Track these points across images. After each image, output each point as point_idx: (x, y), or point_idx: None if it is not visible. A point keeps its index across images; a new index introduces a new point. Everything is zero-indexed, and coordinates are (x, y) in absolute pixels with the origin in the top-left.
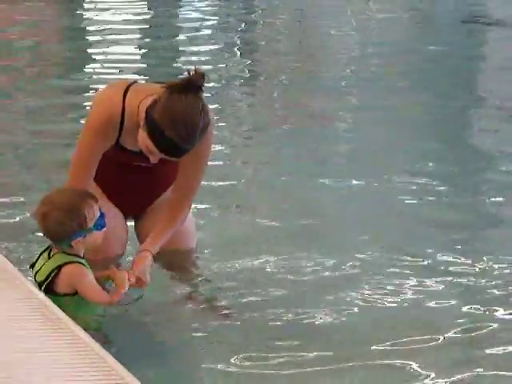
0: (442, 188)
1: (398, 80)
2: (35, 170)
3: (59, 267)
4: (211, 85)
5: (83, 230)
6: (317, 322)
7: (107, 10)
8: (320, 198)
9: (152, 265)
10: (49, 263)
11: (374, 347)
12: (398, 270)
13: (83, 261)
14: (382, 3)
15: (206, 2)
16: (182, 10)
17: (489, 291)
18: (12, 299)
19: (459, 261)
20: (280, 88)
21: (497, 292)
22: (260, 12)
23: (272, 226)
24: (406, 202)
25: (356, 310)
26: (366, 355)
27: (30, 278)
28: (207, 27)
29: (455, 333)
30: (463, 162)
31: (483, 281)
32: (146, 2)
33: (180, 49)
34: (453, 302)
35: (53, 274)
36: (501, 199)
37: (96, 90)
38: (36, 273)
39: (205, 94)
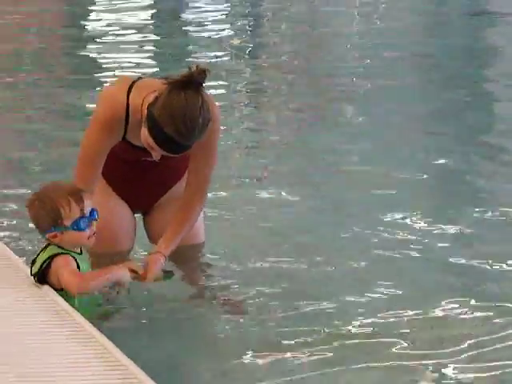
0: None
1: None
2: None
3: (50, 259)
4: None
5: (57, 226)
6: (335, 321)
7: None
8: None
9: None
10: (42, 255)
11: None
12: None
13: (76, 255)
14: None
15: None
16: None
17: None
18: (17, 291)
19: None
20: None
21: None
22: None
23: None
24: None
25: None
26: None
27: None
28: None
29: None
30: None
31: None
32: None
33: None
34: None
35: (44, 265)
36: None
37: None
38: (32, 265)
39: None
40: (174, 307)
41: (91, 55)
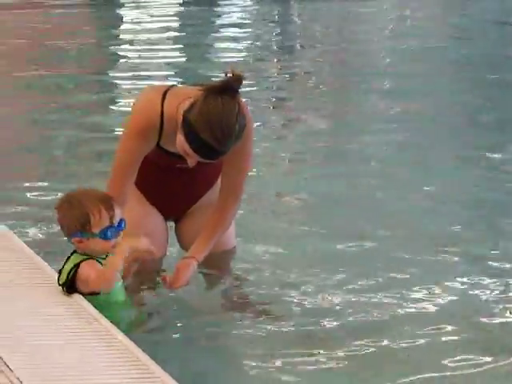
0: None
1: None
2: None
3: (76, 267)
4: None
5: (85, 231)
6: (357, 324)
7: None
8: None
9: (195, 271)
10: (66, 266)
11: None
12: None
13: (102, 260)
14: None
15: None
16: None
17: None
18: (48, 297)
19: None
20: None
21: None
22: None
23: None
24: None
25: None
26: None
27: None
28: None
29: None
30: None
31: None
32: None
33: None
34: None
35: (71, 274)
36: None
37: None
38: (59, 276)
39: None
40: (204, 318)
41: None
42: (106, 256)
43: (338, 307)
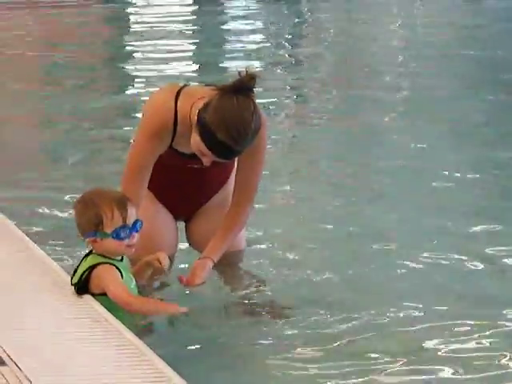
0: None
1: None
2: None
3: (90, 268)
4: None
5: (98, 231)
6: (374, 322)
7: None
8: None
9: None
10: (82, 265)
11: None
12: None
13: (117, 263)
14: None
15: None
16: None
17: None
18: (59, 299)
19: None
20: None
21: None
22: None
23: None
24: None
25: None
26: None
27: None
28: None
29: None
30: None
31: None
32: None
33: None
34: None
35: (84, 276)
36: None
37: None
38: (72, 276)
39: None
40: (215, 321)
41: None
42: (122, 258)
43: (350, 305)
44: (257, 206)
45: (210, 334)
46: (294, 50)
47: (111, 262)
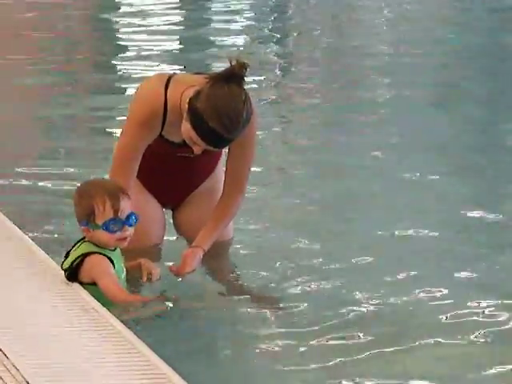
0: None
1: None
2: None
3: (83, 256)
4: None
5: (89, 222)
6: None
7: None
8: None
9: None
10: (75, 252)
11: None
12: None
13: (110, 253)
14: None
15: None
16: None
17: None
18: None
19: None
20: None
21: None
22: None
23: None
24: None
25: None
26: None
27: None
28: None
29: None
30: None
31: None
32: None
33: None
34: None
35: (76, 263)
36: None
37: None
38: (64, 260)
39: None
40: (202, 305)
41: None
42: (115, 249)
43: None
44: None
45: (197, 326)
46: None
47: (103, 252)
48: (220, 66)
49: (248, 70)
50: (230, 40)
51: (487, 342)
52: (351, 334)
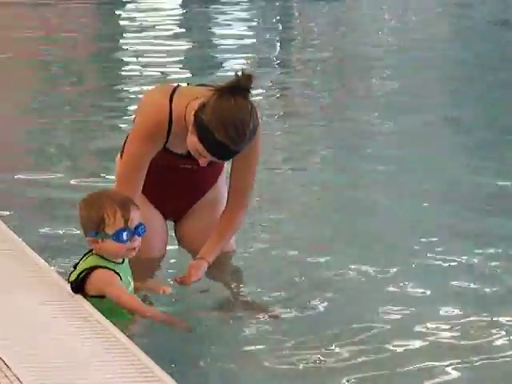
0: None
1: None
2: None
3: (90, 270)
4: None
5: (99, 232)
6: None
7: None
8: None
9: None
10: (81, 265)
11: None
12: None
13: (117, 266)
14: None
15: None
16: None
17: None
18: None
19: None
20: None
21: None
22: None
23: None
24: None
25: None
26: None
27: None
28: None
29: None
30: None
31: None
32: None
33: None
34: None
35: (81, 276)
36: None
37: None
38: (71, 273)
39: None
40: (202, 317)
41: None
42: (123, 261)
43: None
44: None
45: (202, 335)
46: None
47: (110, 266)
48: (223, 77)
49: (253, 81)
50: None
51: None
52: (360, 347)
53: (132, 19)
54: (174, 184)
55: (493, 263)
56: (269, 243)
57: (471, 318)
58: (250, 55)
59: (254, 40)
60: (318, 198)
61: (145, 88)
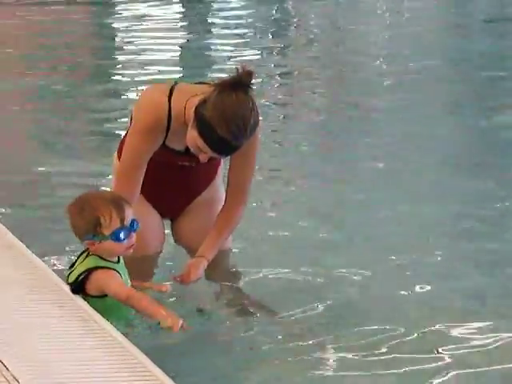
0: None
1: None
2: None
3: (88, 271)
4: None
5: (96, 234)
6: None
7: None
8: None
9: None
10: (80, 266)
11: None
12: None
13: (115, 265)
14: None
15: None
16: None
17: None
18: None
19: None
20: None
21: None
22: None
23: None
24: None
25: None
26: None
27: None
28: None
29: None
30: None
31: None
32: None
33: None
34: None
35: (81, 277)
36: None
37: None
38: (69, 274)
39: None
40: (201, 317)
41: None
42: (119, 260)
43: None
44: None
45: (201, 335)
46: None
47: (110, 265)
48: (220, 76)
49: (253, 77)
50: (232, 51)
51: None
52: (365, 349)
53: (128, 17)
54: (172, 182)
55: (495, 258)
56: (268, 242)
57: (479, 318)
58: (248, 55)
59: (252, 40)
60: (317, 197)
61: (143, 87)
